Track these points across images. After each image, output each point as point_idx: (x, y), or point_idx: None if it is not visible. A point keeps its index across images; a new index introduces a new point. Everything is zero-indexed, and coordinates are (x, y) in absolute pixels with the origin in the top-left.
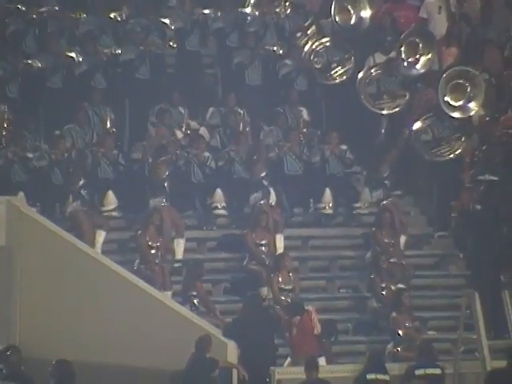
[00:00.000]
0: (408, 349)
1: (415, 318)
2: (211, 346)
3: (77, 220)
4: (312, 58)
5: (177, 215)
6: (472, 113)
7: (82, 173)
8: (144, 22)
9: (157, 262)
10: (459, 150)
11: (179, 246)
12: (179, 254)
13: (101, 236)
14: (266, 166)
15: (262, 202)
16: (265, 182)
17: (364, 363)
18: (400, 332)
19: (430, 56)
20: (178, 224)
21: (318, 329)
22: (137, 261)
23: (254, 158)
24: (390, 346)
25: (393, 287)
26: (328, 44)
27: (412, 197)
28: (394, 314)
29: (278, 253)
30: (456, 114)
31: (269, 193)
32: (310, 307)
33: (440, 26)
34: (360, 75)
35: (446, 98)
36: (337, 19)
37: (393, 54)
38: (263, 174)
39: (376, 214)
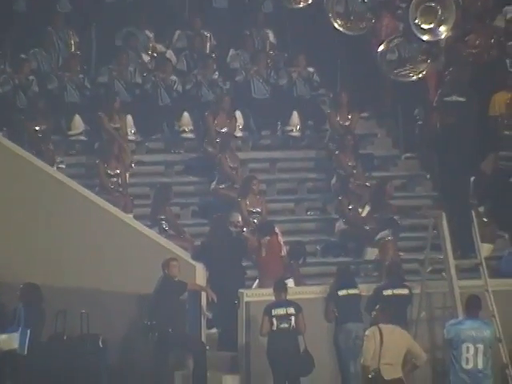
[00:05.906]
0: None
1: None
2: (169, 267)
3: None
4: None
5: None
6: (443, 36)
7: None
8: None
9: (113, 187)
10: (423, 72)
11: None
12: None
13: None
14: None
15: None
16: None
17: (333, 280)
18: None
19: None
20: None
21: (284, 250)
22: (96, 188)
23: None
24: None
25: (360, 209)
26: None
27: (377, 119)
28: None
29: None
30: (426, 37)
31: (235, 118)
32: (276, 228)
33: None
34: None
35: (416, 21)
36: None
37: None
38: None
39: (339, 136)
